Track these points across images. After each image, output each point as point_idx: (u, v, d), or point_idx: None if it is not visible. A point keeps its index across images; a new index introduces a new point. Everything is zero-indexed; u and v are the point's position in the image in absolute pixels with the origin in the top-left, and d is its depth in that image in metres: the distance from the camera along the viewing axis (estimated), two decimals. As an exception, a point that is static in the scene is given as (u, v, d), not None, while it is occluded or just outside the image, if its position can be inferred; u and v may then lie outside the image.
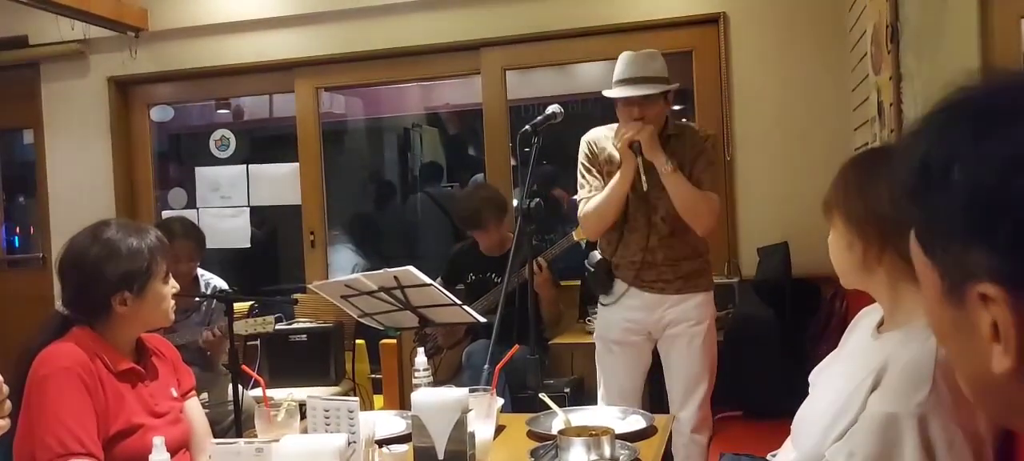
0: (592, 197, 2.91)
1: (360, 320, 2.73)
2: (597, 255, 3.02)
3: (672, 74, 2.95)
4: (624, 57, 2.86)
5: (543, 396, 2.07)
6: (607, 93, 2.86)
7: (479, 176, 5.66)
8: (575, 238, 3.59)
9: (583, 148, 2.99)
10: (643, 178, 2.78)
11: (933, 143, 0.66)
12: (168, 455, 1.63)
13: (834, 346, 1.68)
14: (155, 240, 1.94)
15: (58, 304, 1.96)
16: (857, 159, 1.51)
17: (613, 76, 2.87)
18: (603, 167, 2.93)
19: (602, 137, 2.96)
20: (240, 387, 3.06)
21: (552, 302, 3.79)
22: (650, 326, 2.95)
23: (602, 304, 3.03)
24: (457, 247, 4.18)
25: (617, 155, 2.87)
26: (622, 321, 2.96)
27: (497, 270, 3.85)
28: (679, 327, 2.91)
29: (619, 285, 2.96)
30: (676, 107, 4.90)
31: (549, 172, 5.73)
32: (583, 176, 2.97)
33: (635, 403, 2.87)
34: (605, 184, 2.90)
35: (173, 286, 1.99)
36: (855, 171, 1.47)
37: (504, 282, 2.66)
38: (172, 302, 1.99)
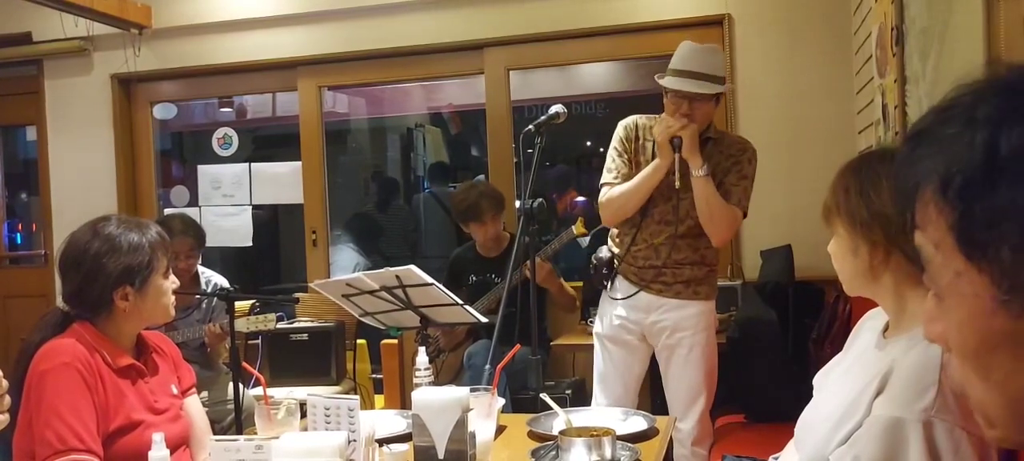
0: (617, 183, 2.87)
1: (361, 319, 2.71)
2: (604, 249, 2.99)
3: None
4: (684, 46, 2.79)
5: (544, 396, 2.06)
6: (660, 80, 2.79)
7: (480, 177, 5.66)
8: (575, 232, 3.58)
9: (619, 131, 2.92)
10: (676, 175, 2.72)
11: (998, 130, 0.58)
12: (168, 451, 1.63)
13: (837, 349, 1.67)
14: (156, 235, 1.94)
15: (60, 300, 1.96)
16: (855, 163, 1.50)
17: (669, 63, 2.79)
18: (635, 155, 2.87)
19: (641, 125, 2.88)
20: (241, 385, 3.05)
21: (560, 290, 3.81)
22: (645, 328, 2.90)
23: (603, 299, 3.00)
24: (456, 251, 4.19)
25: (650, 146, 2.82)
26: (617, 319, 2.92)
27: (497, 271, 3.85)
28: (676, 336, 2.85)
29: (621, 282, 2.93)
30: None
31: (566, 172, 5.74)
32: (612, 159, 2.91)
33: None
34: (631, 172, 2.85)
35: (173, 281, 1.99)
36: (856, 175, 1.46)
37: (506, 282, 2.66)
38: (172, 297, 1.99)
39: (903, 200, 0.66)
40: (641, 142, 2.87)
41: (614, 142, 2.93)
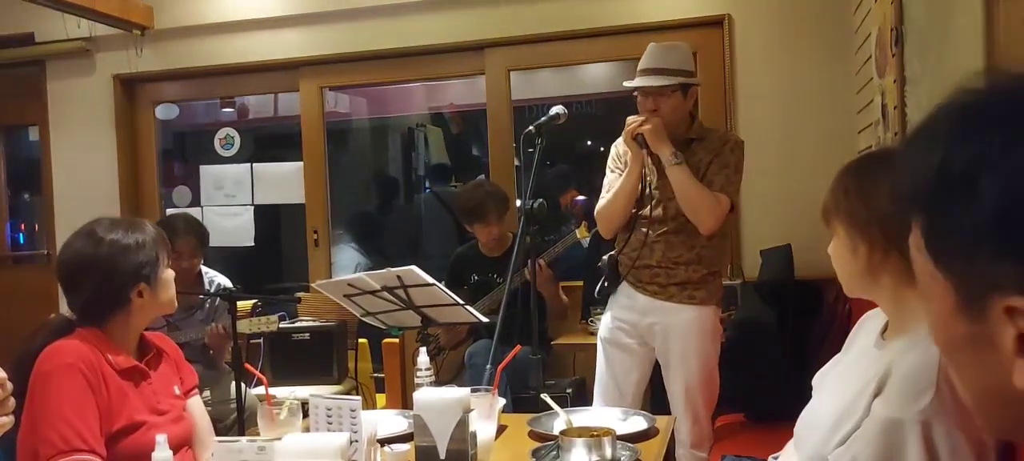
0: (605, 195, 2.92)
1: (363, 319, 2.73)
2: (612, 252, 3.01)
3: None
4: (648, 48, 2.87)
5: (545, 396, 2.08)
6: (626, 83, 2.88)
7: (482, 177, 5.67)
8: (578, 236, 3.59)
9: (611, 151, 3.01)
10: (649, 170, 2.77)
11: (952, 148, 0.62)
12: (171, 452, 1.64)
13: (837, 349, 1.68)
14: (153, 230, 2.00)
15: (63, 308, 1.97)
16: (854, 164, 1.51)
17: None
18: (626, 168, 2.91)
19: None
20: (243, 385, 3.06)
21: (555, 297, 3.82)
22: (643, 331, 2.89)
23: (607, 302, 3.02)
24: (458, 250, 4.19)
25: None
26: (616, 321, 2.94)
27: (499, 271, 3.85)
28: (669, 340, 2.85)
29: (620, 282, 2.94)
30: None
31: (565, 171, 5.74)
32: (607, 176, 2.98)
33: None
34: None
35: (171, 272, 2.04)
36: (854, 176, 1.47)
37: (507, 282, 2.66)
38: (174, 289, 2.04)
39: (899, 202, 0.70)
40: (630, 155, 2.90)
41: (608, 163, 3.00)
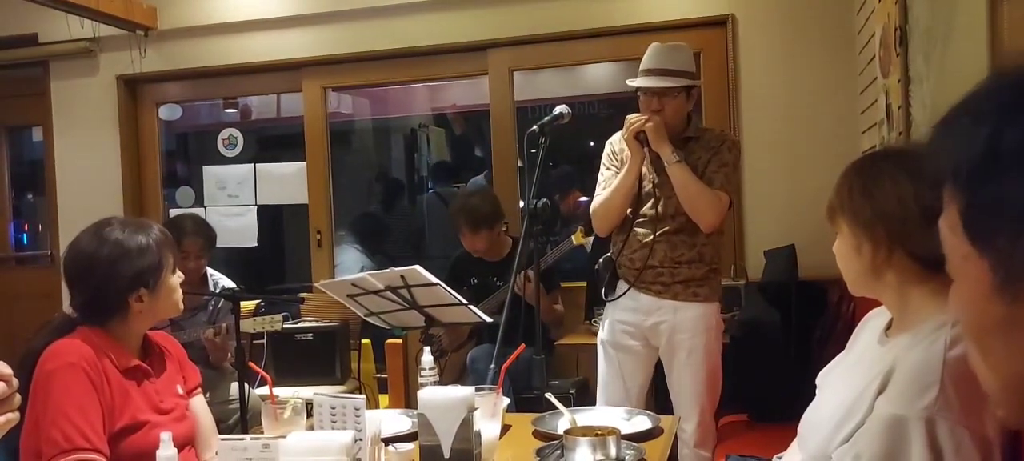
0: (602, 193, 2.93)
1: (366, 319, 2.73)
2: (608, 255, 3.01)
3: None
4: (651, 48, 2.88)
5: (549, 396, 2.08)
6: (629, 82, 2.88)
7: (477, 178, 5.67)
8: (574, 241, 3.57)
9: (606, 148, 3.02)
10: (650, 169, 2.78)
11: (1004, 122, 0.60)
12: (175, 451, 1.64)
13: (841, 349, 1.68)
14: (159, 234, 1.97)
15: (66, 306, 1.97)
16: (858, 163, 1.51)
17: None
18: (623, 167, 2.92)
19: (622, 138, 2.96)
20: (246, 385, 3.06)
21: (546, 311, 3.78)
22: (646, 331, 2.90)
23: (606, 304, 3.02)
24: (458, 252, 4.18)
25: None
26: (618, 323, 2.93)
27: (498, 274, 3.84)
28: (675, 338, 2.85)
29: (621, 285, 2.94)
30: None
31: (569, 172, 5.74)
32: (602, 174, 2.99)
33: None
34: None
35: (179, 275, 2.02)
36: (858, 174, 1.47)
37: (510, 284, 2.66)
38: (181, 292, 2.02)
39: (932, 186, 0.69)
40: (625, 153, 2.91)
41: (603, 160, 3.01)
